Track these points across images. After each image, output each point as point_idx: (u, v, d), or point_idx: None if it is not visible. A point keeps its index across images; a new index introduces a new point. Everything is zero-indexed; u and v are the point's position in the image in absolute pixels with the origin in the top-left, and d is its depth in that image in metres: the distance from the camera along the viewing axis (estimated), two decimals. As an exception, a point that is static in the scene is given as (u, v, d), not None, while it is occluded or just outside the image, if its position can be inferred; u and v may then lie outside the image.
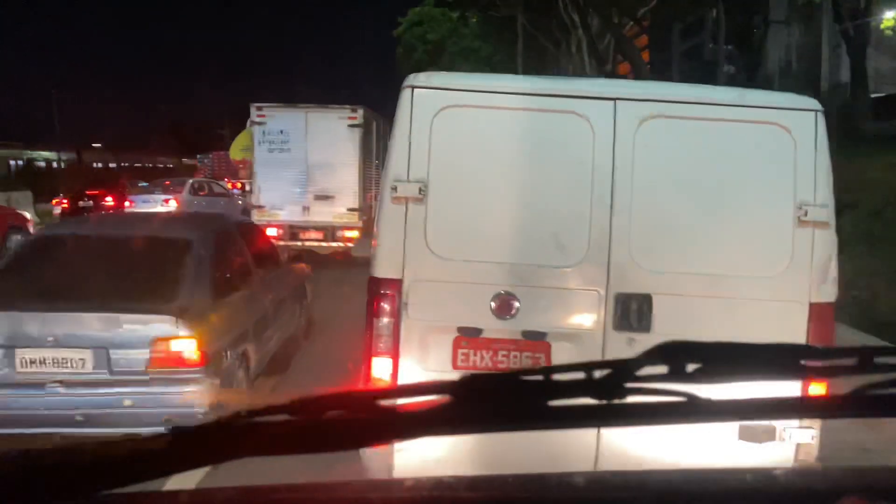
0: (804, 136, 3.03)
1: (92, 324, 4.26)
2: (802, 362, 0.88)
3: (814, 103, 3.12)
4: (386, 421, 0.81)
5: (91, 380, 4.23)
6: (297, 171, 12.42)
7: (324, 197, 12.38)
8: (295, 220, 12.03)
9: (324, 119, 12.55)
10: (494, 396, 0.83)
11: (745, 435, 2.98)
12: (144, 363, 4.21)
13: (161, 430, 0.78)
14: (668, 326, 2.98)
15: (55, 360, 4.24)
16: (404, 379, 3.03)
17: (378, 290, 3.07)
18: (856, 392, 0.88)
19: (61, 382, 4.23)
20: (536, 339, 3.08)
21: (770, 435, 3.02)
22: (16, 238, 13.47)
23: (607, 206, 3.02)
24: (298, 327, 6.92)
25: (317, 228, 12.24)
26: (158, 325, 4.24)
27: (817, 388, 2.71)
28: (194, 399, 4.28)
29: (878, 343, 6.70)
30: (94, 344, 4.22)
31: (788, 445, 3.06)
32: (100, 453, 0.78)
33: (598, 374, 0.84)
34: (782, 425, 3.05)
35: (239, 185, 23.54)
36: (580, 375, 0.84)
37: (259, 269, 5.86)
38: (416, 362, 3.06)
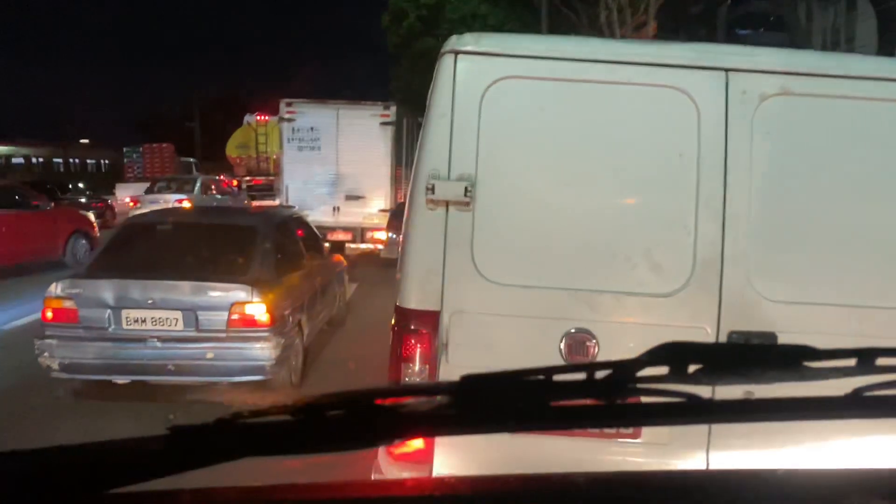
0: None
1: (183, 290, 5.19)
2: (804, 363, 0.88)
3: None
4: (387, 421, 0.81)
5: (181, 336, 5.14)
6: (328, 170, 12.17)
7: (354, 197, 12.14)
8: (324, 221, 11.54)
9: (356, 116, 12.27)
10: (496, 397, 0.83)
11: None
12: (224, 323, 5.13)
13: (164, 431, 0.78)
14: None
15: (153, 319, 5.16)
16: (443, 448, 2.27)
17: (407, 326, 2.38)
18: (858, 392, 0.88)
19: (158, 338, 5.13)
20: None
21: None
22: (82, 242, 12.90)
23: (718, 212, 2.33)
24: (339, 309, 7.95)
25: (345, 229, 11.98)
26: (236, 293, 5.16)
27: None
28: (262, 353, 5.17)
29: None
30: (184, 306, 5.14)
31: None
32: (101, 453, 0.78)
33: (599, 374, 0.84)
34: None
35: (234, 182, 22.61)
36: (582, 376, 0.84)
37: (309, 257, 6.86)
38: (459, 448, 2.29)
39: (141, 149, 29.18)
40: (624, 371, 0.84)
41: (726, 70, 2.35)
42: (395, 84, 41.06)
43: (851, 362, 0.91)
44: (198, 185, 19.93)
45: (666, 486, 0.91)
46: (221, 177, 25.41)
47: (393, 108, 12.40)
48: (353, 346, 7.04)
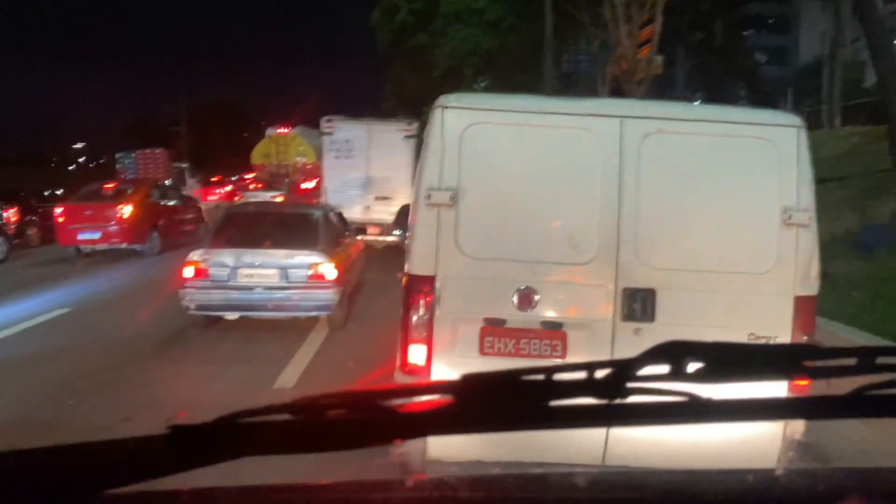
0: (788, 149, 3.39)
1: (279, 255, 7.79)
2: (804, 362, 0.88)
3: (796, 120, 3.48)
4: (387, 421, 0.81)
5: (277, 285, 7.73)
6: (360, 175, 14.18)
7: (382, 198, 13.97)
8: (357, 218, 13.40)
9: (383, 131, 14.37)
10: (495, 396, 0.83)
11: None
12: (305, 277, 7.74)
13: (164, 430, 0.78)
14: (669, 317, 3.33)
15: (258, 275, 7.75)
16: (437, 363, 3.43)
17: (414, 286, 3.45)
18: (857, 392, 0.88)
19: (261, 287, 7.73)
20: (554, 329, 3.42)
21: None
22: (204, 224, 17.27)
23: (615, 211, 3.36)
24: (361, 276, 10.23)
25: (375, 224, 13.89)
26: (313, 257, 7.80)
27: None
28: (329, 296, 7.80)
29: (879, 343, 6.70)
30: (279, 266, 7.74)
31: (776, 423, 3.28)
32: (101, 453, 0.78)
33: (599, 374, 0.84)
34: None
35: (260, 185, 25.65)
36: (581, 375, 0.84)
37: (346, 237, 9.54)
38: (447, 349, 3.43)
39: (134, 154, 28.74)
40: (624, 370, 0.84)
41: (621, 117, 3.42)
42: (389, 88, 39.82)
43: (851, 362, 0.91)
44: (286, 184, 24.07)
45: (666, 485, 0.91)
46: (249, 179, 28.92)
47: (415, 125, 14.26)
48: (370, 298, 9.71)
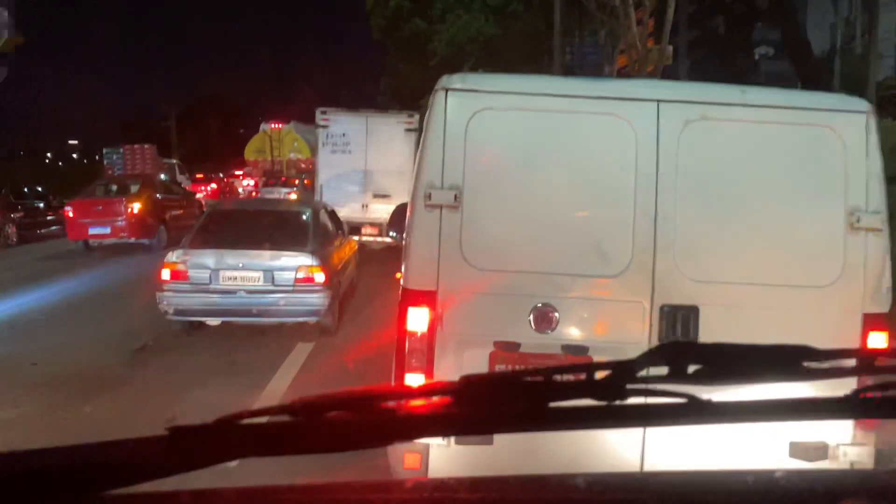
0: (855, 139, 2.91)
1: (264, 256, 7.21)
2: (804, 363, 0.88)
3: (864, 104, 3.00)
4: (387, 421, 0.81)
5: (262, 289, 7.16)
6: (358, 171, 13.44)
7: (381, 196, 13.22)
8: (354, 217, 12.92)
9: (383, 124, 13.57)
10: (495, 398, 0.83)
11: (795, 452, 2.86)
12: (292, 280, 7.16)
13: (163, 432, 0.78)
14: (715, 339, 2.83)
15: (242, 277, 7.18)
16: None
17: (411, 303, 2.94)
18: (857, 393, 0.88)
19: (245, 291, 7.17)
20: (578, 354, 2.91)
21: (822, 452, 2.89)
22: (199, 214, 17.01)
23: (651, 212, 2.88)
24: (354, 279, 9.81)
25: (372, 224, 13.18)
26: (301, 259, 7.22)
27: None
28: (318, 301, 7.22)
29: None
30: (264, 268, 7.16)
31: (843, 463, 2.92)
32: (100, 454, 0.78)
33: (599, 375, 0.84)
34: (835, 442, 2.90)
35: (255, 183, 26.43)
36: (581, 376, 0.84)
37: (339, 237, 8.98)
38: (451, 379, 2.92)
39: (122, 149, 28.28)
40: (624, 371, 0.84)
41: (658, 101, 2.90)
42: (385, 81, 39.22)
43: (851, 363, 0.91)
44: (298, 183, 24.63)
45: (665, 486, 0.91)
46: (241, 177, 28.44)
47: (416, 117, 13.35)
48: (364, 299, 9.46)
